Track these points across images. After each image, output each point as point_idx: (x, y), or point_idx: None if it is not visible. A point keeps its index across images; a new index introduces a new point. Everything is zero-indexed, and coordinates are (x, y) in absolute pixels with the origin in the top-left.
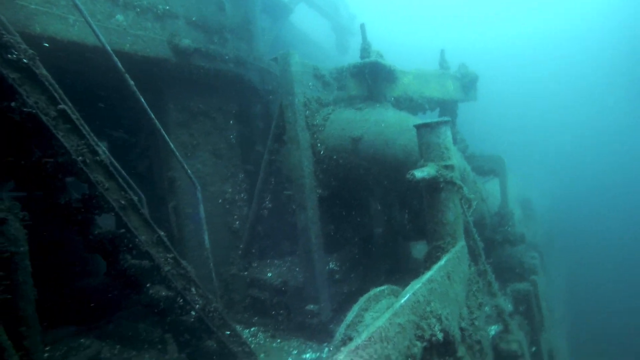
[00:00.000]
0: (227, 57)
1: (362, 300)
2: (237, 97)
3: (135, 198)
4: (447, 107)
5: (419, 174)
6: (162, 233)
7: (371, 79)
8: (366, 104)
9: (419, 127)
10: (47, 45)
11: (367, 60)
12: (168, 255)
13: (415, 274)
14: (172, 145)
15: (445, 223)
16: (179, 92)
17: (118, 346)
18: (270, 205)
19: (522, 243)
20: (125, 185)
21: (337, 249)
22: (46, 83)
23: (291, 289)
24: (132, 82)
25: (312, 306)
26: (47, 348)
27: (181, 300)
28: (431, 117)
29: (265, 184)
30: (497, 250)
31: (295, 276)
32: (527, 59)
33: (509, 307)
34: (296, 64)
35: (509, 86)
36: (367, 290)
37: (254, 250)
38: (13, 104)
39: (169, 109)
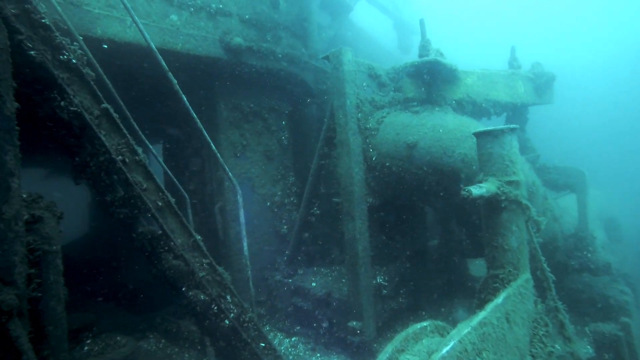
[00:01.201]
0: (279, 56)
1: (398, 339)
2: (291, 98)
3: (173, 200)
4: (517, 112)
5: (476, 190)
6: (198, 237)
7: (430, 79)
8: (424, 107)
9: (479, 135)
10: (106, 47)
11: (425, 59)
12: (204, 260)
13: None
14: (212, 146)
15: (507, 249)
16: (231, 91)
17: (163, 340)
18: (318, 212)
19: (607, 274)
20: (162, 187)
21: (386, 262)
22: (91, 82)
23: (335, 302)
24: (174, 81)
25: (354, 323)
26: (88, 342)
27: (215, 308)
28: (497, 123)
29: (314, 190)
30: (571, 275)
31: (341, 288)
32: (617, 52)
33: (588, 350)
34: (349, 62)
35: (593, 85)
36: (417, 309)
37: (299, 258)
38: (62, 103)
39: (220, 108)
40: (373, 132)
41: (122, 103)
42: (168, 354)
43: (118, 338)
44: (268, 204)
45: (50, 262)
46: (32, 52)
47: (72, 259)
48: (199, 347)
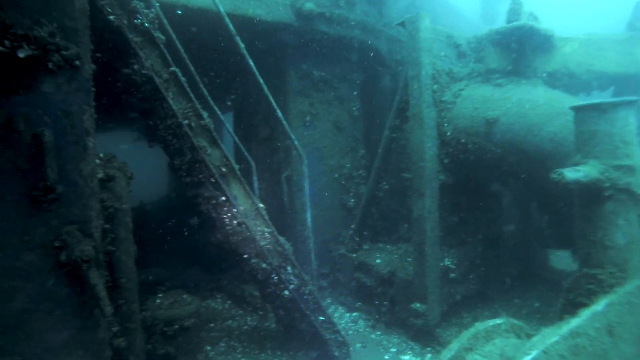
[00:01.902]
0: (352, 23)
1: (465, 335)
2: (363, 67)
3: (237, 167)
4: (632, 84)
5: (571, 174)
6: (261, 205)
7: (518, 48)
8: (508, 80)
9: (579, 110)
10: (180, 12)
11: (515, 24)
12: (266, 229)
13: (553, 285)
14: (279, 112)
15: (609, 246)
16: (301, 59)
17: (229, 302)
18: (387, 187)
19: None
20: (227, 153)
21: (456, 245)
22: (161, 46)
23: (399, 281)
24: (242, 45)
25: (418, 305)
26: (160, 295)
27: (275, 278)
28: (599, 99)
29: (384, 164)
30: None
31: (406, 267)
32: None
33: None
34: (426, 29)
35: None
36: (486, 296)
37: (365, 233)
38: (135, 66)
39: (290, 76)
40: (449, 106)
41: (192, 68)
42: (232, 315)
43: (184, 296)
44: (336, 175)
45: (121, 219)
46: (111, 17)
47: (154, 217)
48: (260, 312)
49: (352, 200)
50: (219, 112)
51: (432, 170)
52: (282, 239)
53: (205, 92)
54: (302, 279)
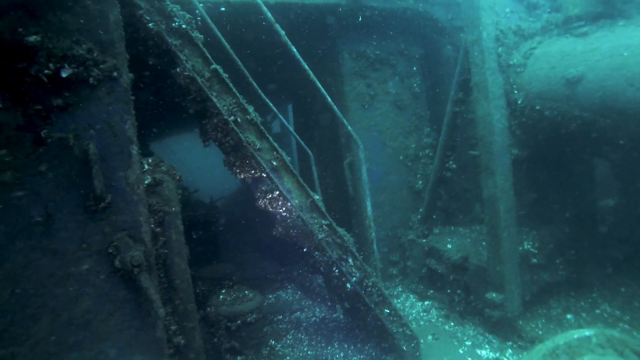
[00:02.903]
0: None
1: (540, 350)
2: (421, 39)
3: (288, 159)
4: None
5: None
6: (317, 197)
7: None
8: (597, 26)
9: None
10: (223, 9)
11: None
12: (323, 221)
13: None
14: (329, 99)
15: None
16: (354, 39)
17: (299, 292)
18: (454, 166)
19: None
20: (277, 146)
21: (537, 225)
22: (200, 45)
23: (472, 268)
24: (282, 32)
25: (494, 295)
26: (223, 291)
27: (336, 271)
28: None
29: (449, 141)
30: None
31: (480, 252)
32: None
33: None
34: None
35: None
36: (581, 284)
37: (434, 216)
38: (178, 69)
39: (343, 58)
40: (519, 69)
41: (240, 63)
42: (301, 307)
43: (247, 292)
44: (400, 157)
45: (171, 222)
46: (150, 25)
47: (228, 213)
48: (329, 303)
49: (420, 182)
50: (270, 104)
51: (503, 144)
52: (341, 230)
53: (255, 85)
54: (365, 270)
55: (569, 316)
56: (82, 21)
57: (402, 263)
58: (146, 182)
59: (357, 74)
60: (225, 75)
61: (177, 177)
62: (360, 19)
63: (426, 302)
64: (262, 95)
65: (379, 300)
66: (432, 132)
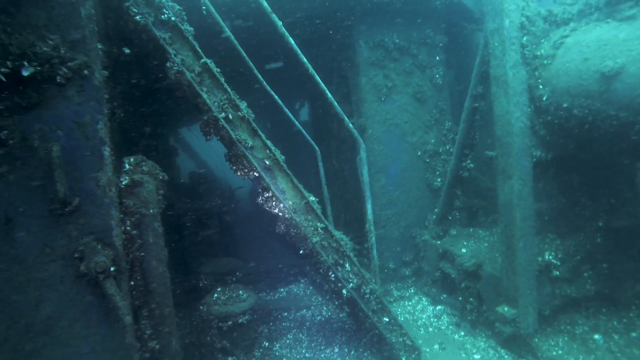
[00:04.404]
0: None
1: None
2: (446, 26)
3: (283, 158)
4: None
5: None
6: (312, 199)
7: None
8: None
9: None
10: None
11: None
12: (318, 224)
13: None
14: (328, 94)
15: None
16: (371, 27)
17: (311, 287)
18: (472, 165)
19: None
20: (270, 144)
21: (565, 234)
22: (190, 38)
23: (486, 276)
24: (279, 23)
25: (506, 309)
26: (219, 289)
27: (332, 276)
28: None
29: (467, 138)
30: None
31: (496, 259)
32: None
33: None
34: None
35: None
36: (612, 300)
37: (450, 217)
38: (168, 64)
39: (359, 47)
40: (545, 62)
41: (248, 59)
42: (310, 303)
43: (240, 292)
44: (419, 153)
45: (149, 225)
46: (137, 17)
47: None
48: (336, 303)
49: (439, 179)
50: (276, 97)
51: (522, 145)
52: (338, 234)
53: (260, 76)
54: (363, 277)
55: (596, 336)
56: (49, 16)
57: (416, 264)
58: (124, 183)
59: (374, 64)
60: (216, 70)
61: (161, 178)
62: (378, 5)
63: (438, 307)
64: (267, 86)
65: (377, 308)
66: (455, 127)
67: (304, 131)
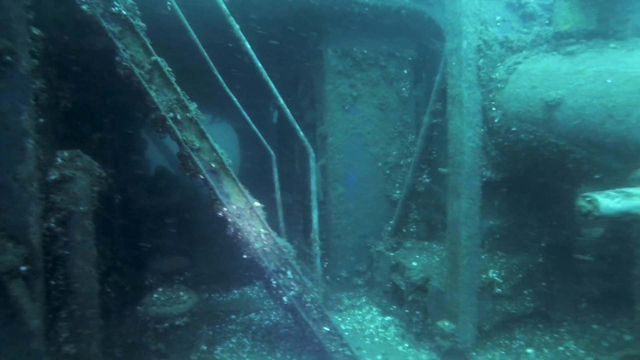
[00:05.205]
0: None
1: None
2: (416, 41)
3: (229, 162)
4: None
5: (612, 203)
6: (256, 204)
7: None
8: (587, 45)
9: None
10: None
11: None
12: (262, 230)
13: None
14: (281, 101)
15: None
16: (341, 35)
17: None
18: (427, 180)
19: None
20: (217, 147)
21: (512, 252)
22: (142, 34)
23: (433, 291)
24: (236, 26)
25: (446, 324)
26: (160, 290)
27: (274, 283)
28: None
29: (424, 154)
30: None
31: (444, 274)
32: None
33: None
34: None
35: None
36: (546, 316)
37: (404, 230)
38: (117, 58)
39: (327, 55)
40: (499, 85)
41: (208, 59)
42: (261, 306)
43: (181, 293)
44: (380, 164)
45: (77, 222)
46: (84, 7)
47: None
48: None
49: (398, 192)
50: (235, 100)
51: (473, 165)
52: (281, 241)
53: (221, 79)
54: (305, 285)
55: (529, 350)
56: None
57: (370, 274)
58: (52, 177)
59: (341, 72)
60: (167, 69)
61: (97, 174)
62: (349, 15)
63: (387, 318)
64: (227, 88)
65: (318, 318)
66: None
67: (260, 135)
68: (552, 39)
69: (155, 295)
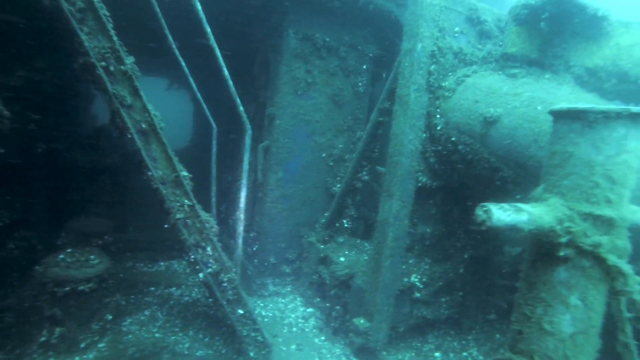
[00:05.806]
0: None
1: None
2: (380, 39)
3: (162, 125)
4: None
5: (505, 216)
6: (184, 174)
7: (551, 29)
8: (527, 71)
9: (558, 117)
10: None
11: None
12: (186, 201)
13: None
14: (225, 73)
15: (548, 332)
16: (304, 19)
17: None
18: (366, 177)
19: None
20: (151, 108)
21: (437, 260)
22: None
23: (355, 288)
24: None
25: (362, 321)
26: (69, 250)
27: (192, 257)
28: None
29: (367, 151)
30: None
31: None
32: None
33: None
34: None
35: None
36: (458, 323)
37: (337, 224)
38: None
39: (288, 36)
40: (447, 94)
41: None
42: (189, 280)
43: (92, 257)
44: (324, 155)
45: None
46: None
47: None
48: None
49: (338, 185)
50: (185, 68)
51: (410, 168)
52: (205, 215)
53: (174, 47)
54: (223, 264)
55: (437, 354)
56: None
57: (298, 263)
58: None
59: (299, 56)
60: (105, 13)
61: None
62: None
63: (309, 309)
64: (181, 60)
65: (232, 299)
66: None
67: (204, 106)
68: (500, 58)
69: (62, 256)
